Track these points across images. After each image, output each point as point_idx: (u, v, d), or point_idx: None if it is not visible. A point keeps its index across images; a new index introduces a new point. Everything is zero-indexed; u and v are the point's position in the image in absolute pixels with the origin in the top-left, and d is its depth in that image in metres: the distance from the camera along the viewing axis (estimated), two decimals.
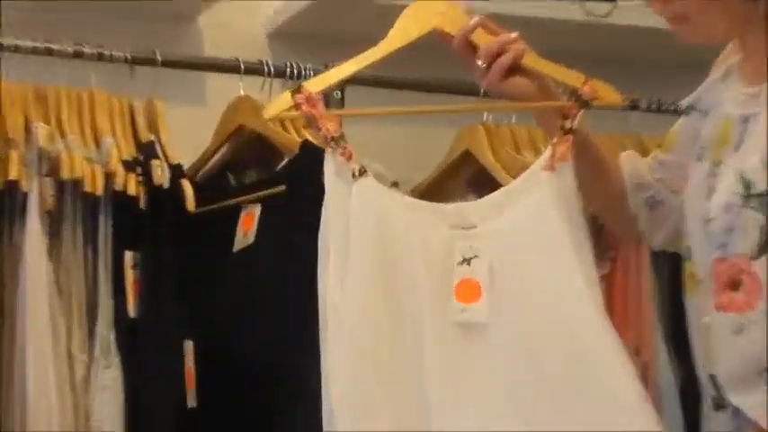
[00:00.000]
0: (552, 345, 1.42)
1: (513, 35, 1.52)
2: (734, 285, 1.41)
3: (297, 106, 1.48)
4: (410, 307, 1.47)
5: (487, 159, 2.07)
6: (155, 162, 1.75)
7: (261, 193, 1.85)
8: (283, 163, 1.88)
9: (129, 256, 1.73)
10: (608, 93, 1.49)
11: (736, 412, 1.44)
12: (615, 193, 1.65)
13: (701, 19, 1.47)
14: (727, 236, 1.40)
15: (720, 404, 1.47)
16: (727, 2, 1.46)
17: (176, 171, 1.77)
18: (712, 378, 1.47)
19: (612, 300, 1.93)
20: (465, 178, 2.16)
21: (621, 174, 1.68)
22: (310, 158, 1.73)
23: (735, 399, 1.42)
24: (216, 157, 1.96)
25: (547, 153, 1.47)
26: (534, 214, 1.48)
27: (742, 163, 1.40)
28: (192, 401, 1.74)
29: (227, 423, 1.80)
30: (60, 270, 1.70)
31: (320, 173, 1.59)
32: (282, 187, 1.82)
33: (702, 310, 1.47)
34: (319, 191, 1.58)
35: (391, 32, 1.50)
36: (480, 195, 1.82)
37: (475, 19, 1.52)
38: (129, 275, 1.73)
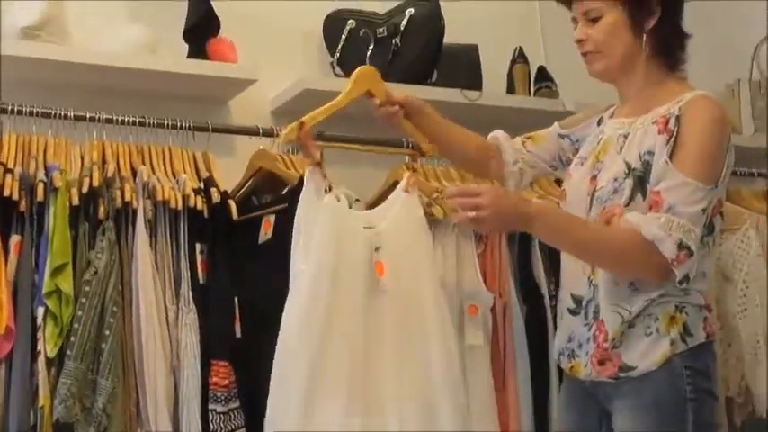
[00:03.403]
0: (411, 307, 1.64)
1: (401, 99, 1.73)
2: (607, 223, 1.54)
3: (298, 138, 1.65)
4: (350, 275, 1.62)
5: None
6: (212, 189, 1.92)
7: (274, 208, 2.00)
8: (285, 190, 2.01)
9: (198, 246, 1.89)
10: (434, 149, 1.76)
11: (589, 314, 1.57)
12: (470, 157, 1.81)
13: (605, 53, 1.58)
14: (609, 196, 1.54)
15: (576, 311, 1.61)
16: (620, 42, 1.57)
17: (224, 195, 1.93)
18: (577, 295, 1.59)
19: (485, 266, 2.03)
20: None
21: (474, 143, 1.80)
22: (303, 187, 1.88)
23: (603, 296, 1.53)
24: (245, 187, 2.11)
25: (404, 182, 1.73)
26: (400, 219, 1.70)
27: (624, 156, 1.55)
28: (237, 333, 1.89)
29: (257, 346, 1.84)
30: (157, 255, 1.85)
31: None
32: (285, 205, 1.95)
33: None
34: None
35: (342, 93, 1.73)
36: None
37: (387, 94, 1.72)
38: (199, 258, 1.89)
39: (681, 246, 1.41)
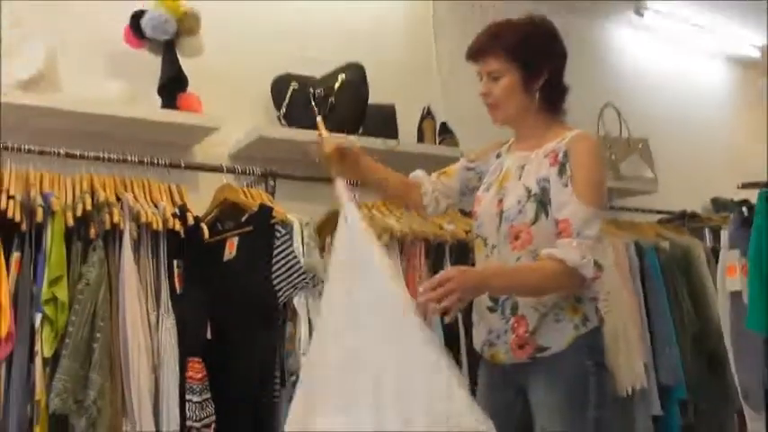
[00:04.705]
0: (376, 308, 1.51)
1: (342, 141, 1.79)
2: (517, 238, 1.65)
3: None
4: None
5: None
6: (187, 214, 2.02)
7: (236, 231, 2.12)
8: (246, 216, 2.14)
9: (176, 262, 1.98)
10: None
11: (506, 310, 1.66)
12: (398, 194, 1.88)
13: (504, 106, 1.69)
14: (515, 215, 1.65)
15: (494, 309, 1.67)
16: (516, 98, 1.69)
17: (197, 219, 2.05)
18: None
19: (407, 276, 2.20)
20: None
21: (399, 179, 1.87)
22: (263, 213, 2.12)
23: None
24: (211, 215, 2.22)
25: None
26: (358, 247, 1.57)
27: (524, 182, 1.67)
28: (208, 335, 1.98)
29: (226, 344, 1.97)
30: (140, 269, 1.93)
31: (265, 220, 2.05)
32: (250, 228, 2.09)
33: (500, 256, 1.68)
34: (265, 230, 2.02)
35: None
36: None
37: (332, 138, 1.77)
38: (176, 272, 1.97)
39: (596, 265, 1.56)
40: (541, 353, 1.64)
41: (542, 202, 1.64)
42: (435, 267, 2.29)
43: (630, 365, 2.52)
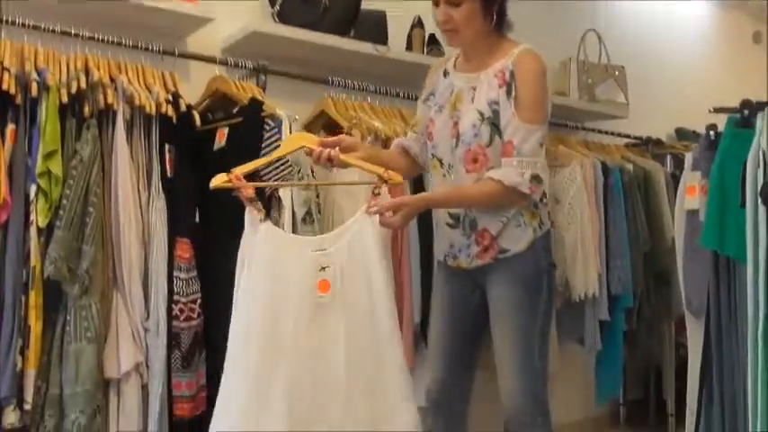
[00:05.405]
0: (362, 317, 1.52)
1: (334, 139, 1.66)
2: (475, 161, 1.70)
3: (229, 181, 1.56)
4: (289, 294, 1.51)
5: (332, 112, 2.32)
6: (180, 100, 1.99)
7: (227, 122, 2.09)
8: (237, 108, 2.10)
9: (167, 147, 1.96)
10: (395, 176, 1.60)
11: (467, 227, 1.70)
12: (399, 168, 1.75)
13: (464, 31, 1.69)
14: (471, 138, 1.69)
15: (454, 226, 1.73)
16: (476, 23, 1.68)
17: (189, 107, 2.02)
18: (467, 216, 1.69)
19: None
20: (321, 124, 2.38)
21: (393, 155, 1.85)
22: (254, 106, 2.07)
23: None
24: (202, 105, 2.17)
25: (365, 205, 1.58)
26: (358, 239, 1.55)
27: (477, 106, 1.69)
28: (196, 217, 2.01)
29: (212, 228, 1.97)
30: (133, 151, 1.92)
31: (256, 113, 1.99)
32: (240, 119, 2.05)
33: (456, 176, 1.71)
34: (254, 122, 1.97)
35: (280, 147, 1.72)
36: (327, 134, 2.21)
37: (319, 142, 1.67)
38: (168, 156, 1.96)
39: (534, 179, 1.63)
40: (504, 254, 1.72)
41: (495, 124, 1.67)
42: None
43: (585, 273, 2.62)
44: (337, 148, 1.64)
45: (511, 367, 1.69)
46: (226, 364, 1.51)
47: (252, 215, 1.55)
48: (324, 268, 1.52)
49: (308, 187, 2.04)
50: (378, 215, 1.53)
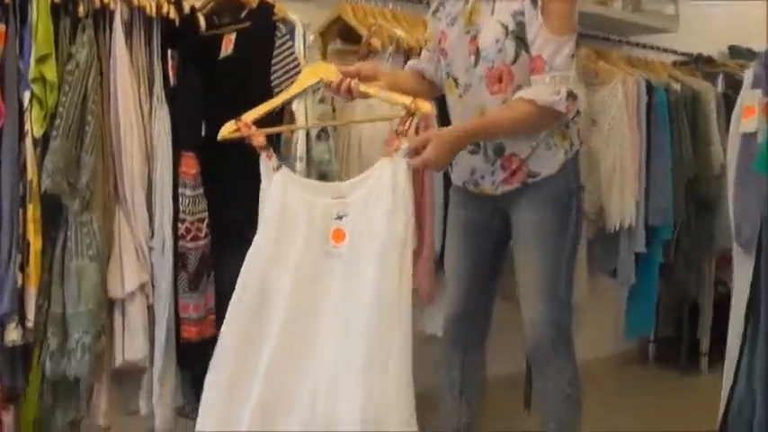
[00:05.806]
0: (371, 271, 1.38)
1: (353, 69, 1.55)
2: (500, 80, 1.58)
3: (237, 130, 1.46)
4: (294, 248, 1.43)
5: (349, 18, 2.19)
6: (184, 2, 1.87)
7: (234, 27, 1.95)
8: (245, 11, 1.95)
9: (170, 52, 1.86)
10: (424, 105, 1.43)
11: (489, 153, 1.61)
12: (417, 92, 1.64)
13: None
14: (495, 55, 1.56)
15: (475, 152, 1.62)
16: None
17: (193, 9, 1.91)
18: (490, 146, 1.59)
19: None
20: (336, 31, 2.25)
21: (412, 79, 1.75)
22: (263, 9, 1.93)
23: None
24: (208, 7, 2.03)
25: (387, 147, 1.43)
26: (378, 187, 1.42)
27: (499, 18, 1.56)
28: (202, 131, 1.88)
29: (218, 145, 1.63)
30: (132, 56, 1.81)
31: (266, 18, 1.86)
32: (248, 24, 1.92)
33: (475, 98, 1.60)
34: (265, 27, 1.85)
35: (296, 81, 1.60)
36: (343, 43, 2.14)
37: (340, 72, 1.56)
38: (170, 63, 1.86)
39: (570, 96, 1.51)
40: (533, 178, 1.62)
41: (520, 38, 1.54)
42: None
43: (622, 201, 2.48)
44: (356, 79, 1.54)
45: (535, 294, 1.60)
46: (227, 313, 1.46)
47: (266, 165, 1.48)
48: (341, 217, 1.45)
49: (324, 105, 1.92)
50: (403, 158, 1.40)
